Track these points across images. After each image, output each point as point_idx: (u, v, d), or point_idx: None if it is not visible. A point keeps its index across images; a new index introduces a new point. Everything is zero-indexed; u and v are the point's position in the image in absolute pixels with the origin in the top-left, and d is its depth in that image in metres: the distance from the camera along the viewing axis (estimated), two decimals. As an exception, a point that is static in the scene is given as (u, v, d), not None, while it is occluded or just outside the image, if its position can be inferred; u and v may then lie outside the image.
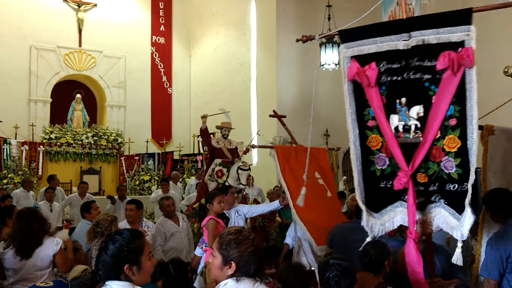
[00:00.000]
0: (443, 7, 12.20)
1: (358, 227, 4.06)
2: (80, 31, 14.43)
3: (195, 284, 3.69)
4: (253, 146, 6.38)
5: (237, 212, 5.57)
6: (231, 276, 2.12)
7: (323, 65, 12.12)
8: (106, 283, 2.07)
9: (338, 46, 13.56)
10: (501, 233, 3.43)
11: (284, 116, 7.04)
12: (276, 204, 5.60)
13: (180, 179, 12.40)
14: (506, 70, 3.87)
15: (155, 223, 6.20)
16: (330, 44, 11.96)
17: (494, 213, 3.56)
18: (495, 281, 3.31)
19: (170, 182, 10.19)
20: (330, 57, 11.97)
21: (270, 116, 7.07)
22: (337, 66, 12.10)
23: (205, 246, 4.80)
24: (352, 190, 9.19)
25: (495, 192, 3.55)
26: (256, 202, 7.86)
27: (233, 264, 2.11)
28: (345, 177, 12.20)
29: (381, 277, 3.01)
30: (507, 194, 3.50)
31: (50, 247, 3.83)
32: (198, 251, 4.86)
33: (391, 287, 2.90)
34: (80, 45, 14.44)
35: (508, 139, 3.73)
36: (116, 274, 2.08)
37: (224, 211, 5.24)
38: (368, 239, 3.27)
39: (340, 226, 4.66)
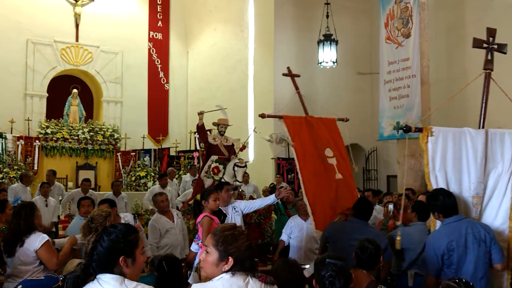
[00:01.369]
0: (442, 5, 12.28)
1: (357, 227, 4.23)
2: (77, 25, 14.37)
3: (189, 280, 3.69)
4: (263, 116, 6.01)
5: (234, 208, 5.54)
6: (227, 271, 2.14)
7: (320, 63, 12.12)
8: (98, 276, 2.07)
9: (336, 44, 13.61)
10: (437, 231, 3.69)
11: (298, 76, 6.79)
12: (272, 198, 5.54)
13: (176, 176, 12.39)
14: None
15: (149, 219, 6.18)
16: (328, 42, 11.95)
17: (434, 213, 3.75)
18: (433, 277, 3.51)
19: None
20: (327, 55, 11.97)
21: (284, 74, 6.73)
22: (335, 64, 12.10)
23: (201, 242, 4.79)
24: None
25: (434, 193, 3.73)
26: (252, 199, 7.86)
27: (230, 260, 2.14)
28: (341, 175, 12.21)
29: (373, 275, 3.02)
30: (440, 194, 3.66)
31: (33, 243, 3.83)
32: (194, 247, 4.84)
33: (383, 285, 2.90)
34: (77, 40, 14.38)
35: (445, 139, 3.93)
36: (110, 266, 2.09)
37: (221, 208, 5.23)
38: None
39: (335, 224, 4.65)
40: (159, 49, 15.79)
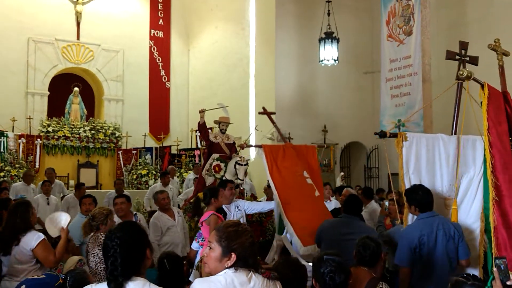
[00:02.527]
0: (443, 3, 12.23)
1: (347, 221, 4.39)
2: (78, 24, 14.36)
3: (190, 278, 3.69)
4: (242, 146, 6.38)
5: (237, 207, 5.57)
6: (230, 267, 2.15)
7: (322, 60, 12.10)
8: (126, 284, 2.02)
9: (338, 42, 13.58)
10: (411, 225, 3.91)
11: (274, 113, 7.00)
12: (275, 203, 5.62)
13: (178, 174, 12.39)
14: (461, 73, 4.06)
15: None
16: (329, 40, 11.93)
17: (410, 207, 3.94)
18: (407, 268, 3.71)
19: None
20: (329, 52, 11.95)
21: (260, 113, 7.00)
22: (336, 62, 12.08)
23: (202, 241, 4.80)
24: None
25: (411, 188, 3.96)
26: (253, 197, 7.86)
27: (233, 256, 2.15)
28: (342, 173, 12.21)
29: (374, 272, 3.03)
30: (420, 190, 3.87)
31: (29, 242, 3.83)
32: (194, 245, 4.86)
33: (384, 283, 2.91)
34: (78, 38, 14.38)
35: (419, 144, 4.20)
36: (138, 263, 2.07)
37: (224, 206, 5.25)
38: None
39: (326, 223, 4.72)
40: (160, 47, 15.78)
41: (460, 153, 4.13)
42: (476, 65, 4.59)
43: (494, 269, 2.24)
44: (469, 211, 4.10)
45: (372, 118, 12.57)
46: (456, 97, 4.46)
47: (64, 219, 4.19)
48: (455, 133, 4.36)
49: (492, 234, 3.57)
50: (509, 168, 3.71)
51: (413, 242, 3.68)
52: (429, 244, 3.66)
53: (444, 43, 11.65)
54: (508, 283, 2.14)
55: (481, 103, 3.86)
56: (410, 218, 4.14)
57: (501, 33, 10.96)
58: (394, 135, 4.22)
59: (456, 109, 4.44)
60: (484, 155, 3.74)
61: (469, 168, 4.15)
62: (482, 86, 3.87)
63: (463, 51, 4.72)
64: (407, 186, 4.08)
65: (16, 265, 3.84)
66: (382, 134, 4.21)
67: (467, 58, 4.71)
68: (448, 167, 4.17)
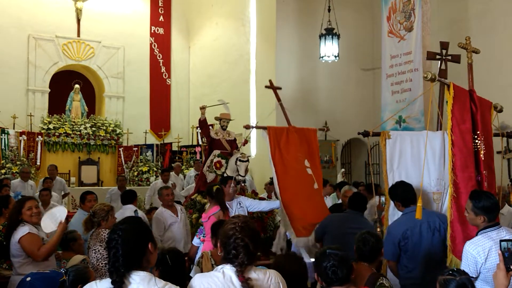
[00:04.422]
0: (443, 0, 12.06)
1: (353, 217, 4.51)
2: (78, 21, 14.34)
3: (191, 274, 3.70)
4: (247, 127, 6.24)
5: (240, 203, 5.59)
6: (223, 259, 2.22)
7: (322, 57, 12.07)
8: (129, 276, 2.03)
9: (338, 38, 13.56)
10: (397, 220, 4.03)
11: (279, 88, 6.92)
12: (277, 204, 5.59)
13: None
14: (425, 76, 4.17)
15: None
16: (330, 36, 11.90)
17: (395, 203, 4.10)
18: (392, 262, 3.88)
19: (172, 173, 10.24)
20: (329, 49, 11.91)
21: (266, 87, 6.91)
22: (336, 58, 12.06)
23: (203, 237, 4.82)
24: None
25: (395, 185, 4.11)
26: (254, 193, 7.87)
27: (219, 246, 2.23)
28: (343, 170, 12.22)
29: (374, 267, 3.05)
30: (403, 186, 4.02)
31: (17, 235, 3.94)
32: (196, 241, 4.88)
33: (384, 277, 2.92)
34: (78, 35, 14.36)
35: (403, 141, 4.42)
36: (140, 256, 2.07)
37: (226, 202, 5.28)
38: None
39: (332, 217, 4.77)
40: (161, 44, 15.77)
41: (446, 148, 4.23)
42: (458, 63, 4.71)
43: (499, 251, 2.26)
44: None
45: (373, 114, 12.56)
46: (440, 94, 4.72)
47: (63, 213, 4.20)
48: (440, 129, 4.52)
49: (448, 228, 3.74)
50: (469, 166, 3.87)
51: (397, 237, 3.80)
52: (413, 238, 3.77)
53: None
54: (511, 266, 2.16)
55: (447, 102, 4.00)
56: (391, 213, 4.31)
57: (501, 29, 11.00)
58: (377, 134, 4.43)
59: (440, 106, 4.70)
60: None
61: None
62: (448, 86, 3.96)
63: (443, 51, 4.94)
64: (391, 182, 4.26)
65: (12, 258, 4.01)
66: (365, 133, 4.46)
67: (449, 57, 4.90)
68: (434, 162, 4.30)
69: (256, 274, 2.23)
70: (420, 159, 4.30)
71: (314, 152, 6.04)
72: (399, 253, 3.83)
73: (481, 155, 4.00)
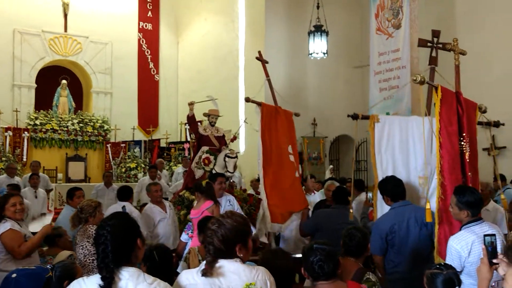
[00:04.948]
0: (431, -2, 12.10)
1: (343, 212, 4.55)
2: (65, 16, 14.18)
3: (178, 270, 3.70)
4: (247, 100, 5.98)
5: (229, 201, 5.59)
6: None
7: (311, 54, 12.10)
8: (119, 272, 2.02)
9: (327, 35, 13.58)
10: (385, 215, 4.04)
11: (267, 62, 6.81)
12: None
13: (167, 167, 12.36)
14: (414, 78, 4.12)
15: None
16: (319, 33, 11.93)
17: (384, 197, 4.11)
18: (379, 256, 3.90)
19: (155, 170, 10.19)
20: (318, 45, 11.95)
21: (256, 58, 6.78)
22: (325, 55, 12.10)
23: (191, 232, 4.81)
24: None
25: (386, 179, 4.12)
26: (242, 190, 7.87)
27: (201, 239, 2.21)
28: (331, 166, 12.28)
29: (361, 262, 3.07)
30: (392, 181, 4.04)
31: (0, 230, 3.89)
32: (184, 237, 4.87)
33: (371, 272, 2.94)
34: (65, 30, 14.21)
35: (391, 125, 4.48)
36: (129, 252, 2.07)
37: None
38: None
39: (323, 213, 4.78)
40: (149, 39, 15.67)
41: (433, 133, 4.27)
42: (448, 51, 4.75)
43: (483, 246, 2.30)
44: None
45: (362, 111, 12.60)
46: (428, 94, 4.76)
47: (50, 217, 4.20)
48: (428, 115, 4.52)
49: (435, 229, 3.77)
50: (456, 168, 3.90)
51: (384, 232, 3.82)
52: (400, 233, 3.79)
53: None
54: (494, 261, 2.20)
55: (435, 105, 4.01)
56: (379, 208, 4.34)
57: (488, 27, 11.10)
58: (366, 117, 4.50)
59: (428, 105, 4.73)
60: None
61: None
62: (436, 88, 3.98)
63: (435, 39, 5.03)
64: (378, 165, 4.31)
65: None
66: (355, 116, 4.52)
67: (440, 45, 4.95)
68: (421, 146, 4.30)
69: (233, 266, 2.22)
70: (408, 143, 4.37)
71: (294, 138, 6.00)
72: (386, 247, 3.85)
73: (466, 157, 4.03)
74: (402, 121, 4.59)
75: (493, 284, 2.77)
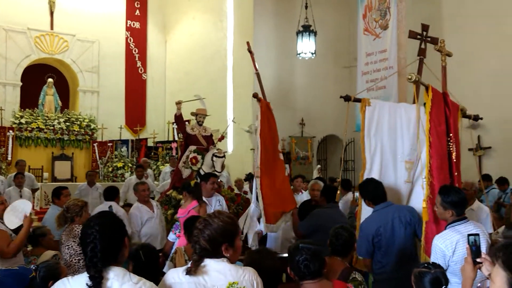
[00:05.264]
0: (419, -2, 12.19)
1: (337, 212, 4.74)
2: (51, 13, 14.04)
3: (164, 269, 3.69)
4: (255, 95, 5.59)
5: (219, 201, 5.58)
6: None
7: (299, 54, 12.13)
8: (105, 272, 2.01)
9: (315, 35, 13.61)
10: (369, 218, 4.02)
11: (252, 53, 6.52)
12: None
13: (154, 167, 12.30)
14: (409, 77, 4.20)
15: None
16: (307, 33, 11.96)
17: (365, 201, 4.13)
18: (366, 259, 3.93)
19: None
20: (306, 45, 11.97)
21: (248, 49, 6.54)
22: (313, 55, 12.13)
23: (179, 232, 4.79)
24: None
25: (365, 183, 4.14)
26: (230, 189, 7.87)
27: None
28: (319, 166, 12.32)
29: (347, 261, 3.08)
30: (371, 184, 4.06)
31: None
32: (171, 237, 4.85)
33: (357, 271, 2.96)
34: (52, 28, 14.06)
35: (382, 109, 4.53)
36: (117, 251, 2.07)
37: (204, 198, 5.26)
38: None
39: (322, 212, 4.78)
40: (137, 38, 15.58)
41: (420, 120, 4.32)
42: (437, 44, 4.84)
43: (467, 245, 2.33)
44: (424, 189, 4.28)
45: (349, 111, 12.67)
46: (418, 71, 4.92)
47: (28, 206, 4.11)
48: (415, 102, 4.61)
49: (423, 228, 3.81)
50: (444, 168, 3.95)
51: (370, 234, 3.83)
52: (386, 235, 3.80)
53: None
54: (478, 260, 2.22)
55: (425, 104, 4.06)
56: (364, 206, 4.33)
57: (473, 29, 11.21)
58: (358, 100, 4.54)
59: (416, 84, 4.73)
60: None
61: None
62: (427, 88, 4.03)
63: (424, 32, 5.16)
64: (367, 147, 4.36)
65: None
66: (347, 98, 4.55)
67: (429, 39, 5.11)
68: (409, 131, 4.39)
69: (219, 266, 2.22)
70: (396, 128, 4.43)
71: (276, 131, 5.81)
72: (373, 250, 3.86)
73: (453, 157, 4.08)
74: (392, 107, 4.67)
75: (479, 285, 2.80)
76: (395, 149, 4.42)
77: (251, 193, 7.42)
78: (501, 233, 5.37)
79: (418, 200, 4.28)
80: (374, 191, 4.01)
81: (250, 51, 6.31)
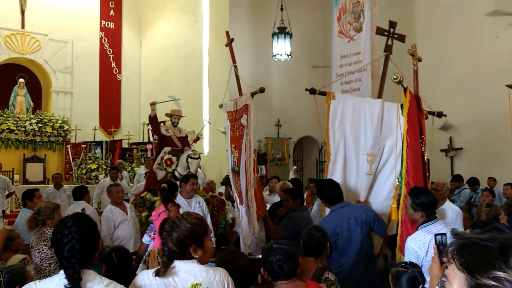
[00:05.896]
0: (392, 1, 12.51)
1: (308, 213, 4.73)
2: (23, 12, 13.75)
3: (137, 272, 3.65)
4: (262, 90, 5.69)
5: (199, 203, 5.53)
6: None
7: (275, 55, 12.17)
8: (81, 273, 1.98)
9: (291, 37, 13.66)
10: (325, 218, 4.14)
11: (232, 40, 6.50)
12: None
13: (129, 168, 12.16)
14: (394, 77, 4.16)
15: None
16: (283, 35, 12.01)
17: (323, 202, 4.21)
18: (324, 259, 3.76)
19: (115, 171, 10.00)
20: (282, 47, 12.03)
21: (227, 43, 6.49)
22: (289, 57, 12.19)
23: (153, 234, 4.75)
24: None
25: (322, 184, 4.23)
26: (205, 190, 7.82)
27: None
28: (295, 167, 12.38)
29: (320, 262, 3.10)
30: (328, 185, 4.13)
31: None
32: (146, 239, 4.80)
33: (329, 271, 2.98)
34: (23, 27, 13.76)
35: (346, 103, 4.71)
36: (93, 252, 2.07)
37: (184, 200, 5.23)
38: None
39: (303, 215, 4.78)
40: (111, 38, 15.39)
41: (383, 116, 4.51)
42: (403, 42, 5.04)
43: (434, 245, 2.37)
44: (391, 173, 4.47)
45: (324, 112, 12.78)
46: (384, 67, 5.31)
47: None
48: (380, 97, 4.84)
49: (398, 227, 3.88)
50: (419, 168, 4.03)
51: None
52: (342, 234, 3.85)
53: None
54: (444, 259, 2.26)
55: (402, 106, 4.15)
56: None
57: (445, 31, 11.44)
58: (323, 93, 4.70)
59: (382, 77, 5.17)
60: (402, 153, 4.05)
61: (393, 132, 4.45)
62: (405, 90, 4.10)
63: (391, 29, 5.39)
64: (331, 140, 4.51)
65: None
66: (312, 91, 4.72)
67: (396, 35, 5.32)
68: (372, 125, 4.54)
69: (188, 267, 2.21)
70: (359, 122, 4.57)
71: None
72: (330, 249, 3.79)
73: (425, 158, 4.16)
74: (356, 101, 4.83)
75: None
76: (358, 142, 4.57)
77: (228, 199, 7.40)
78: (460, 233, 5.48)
79: (379, 194, 4.50)
80: (331, 192, 4.07)
81: (230, 42, 6.32)
